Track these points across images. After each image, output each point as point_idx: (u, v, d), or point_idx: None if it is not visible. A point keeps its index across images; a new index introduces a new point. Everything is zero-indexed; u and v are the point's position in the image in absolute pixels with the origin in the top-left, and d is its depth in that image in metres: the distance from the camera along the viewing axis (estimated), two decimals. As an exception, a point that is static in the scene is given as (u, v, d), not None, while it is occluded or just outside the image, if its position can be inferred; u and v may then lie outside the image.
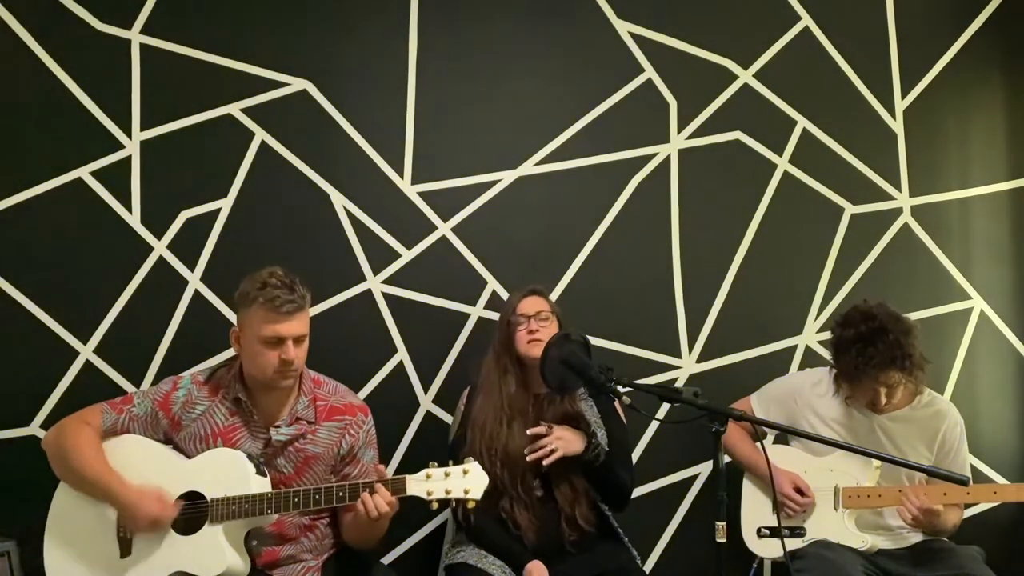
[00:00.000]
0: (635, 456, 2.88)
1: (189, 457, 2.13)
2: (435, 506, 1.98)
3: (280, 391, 2.15)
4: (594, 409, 2.42)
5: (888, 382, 2.32)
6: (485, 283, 2.85)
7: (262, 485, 2.05)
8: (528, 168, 2.89)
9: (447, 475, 1.97)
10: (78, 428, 2.11)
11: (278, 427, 2.15)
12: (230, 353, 2.50)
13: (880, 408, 2.40)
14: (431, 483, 1.97)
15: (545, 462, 2.27)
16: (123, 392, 2.55)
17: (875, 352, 2.28)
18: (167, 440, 2.18)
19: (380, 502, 1.98)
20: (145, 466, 2.09)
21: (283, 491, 2.03)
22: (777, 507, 2.46)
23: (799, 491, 2.44)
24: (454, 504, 1.98)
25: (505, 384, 2.39)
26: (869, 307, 2.37)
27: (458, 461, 2.01)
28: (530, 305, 2.43)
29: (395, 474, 2.02)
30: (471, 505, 1.98)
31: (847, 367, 2.36)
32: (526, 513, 2.31)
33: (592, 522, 2.35)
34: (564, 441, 2.29)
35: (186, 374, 2.25)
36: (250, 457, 2.08)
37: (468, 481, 1.96)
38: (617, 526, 2.42)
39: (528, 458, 2.29)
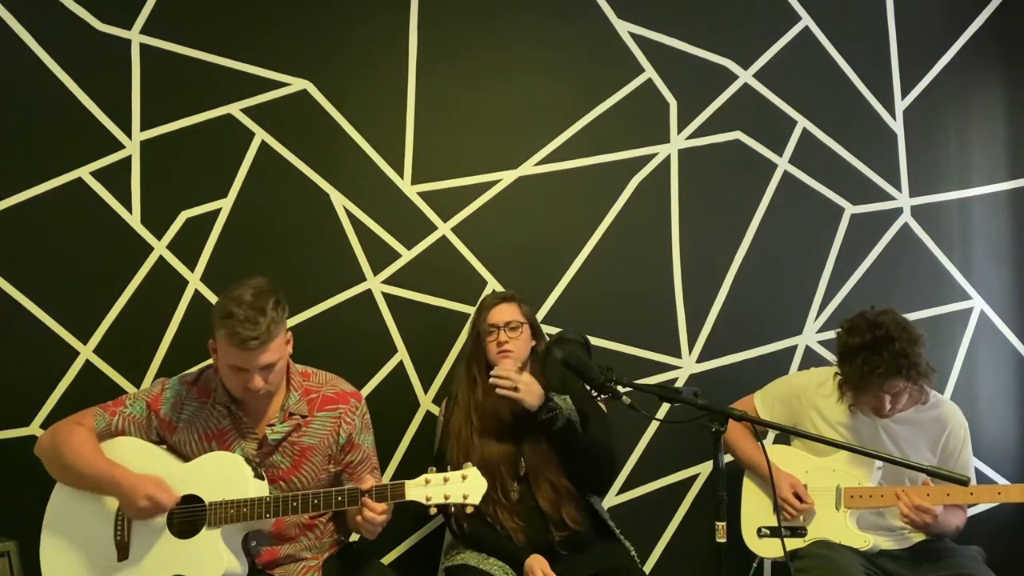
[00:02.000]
0: (635, 456, 2.88)
1: (185, 459, 2.13)
2: (433, 511, 1.99)
3: (257, 402, 2.15)
4: (567, 401, 2.41)
5: (893, 391, 2.31)
6: (485, 283, 2.85)
7: (260, 489, 2.05)
8: (528, 168, 2.89)
9: (446, 480, 1.98)
10: (72, 428, 2.11)
11: (272, 426, 2.15)
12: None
13: (885, 414, 2.40)
14: (430, 488, 1.97)
15: (500, 391, 2.26)
16: (123, 392, 2.55)
17: (880, 361, 2.26)
18: (161, 442, 2.18)
19: (372, 516, 1.99)
20: (142, 469, 2.08)
21: (282, 495, 2.02)
22: (777, 507, 2.46)
23: (798, 497, 2.43)
24: (452, 509, 1.98)
25: (474, 394, 2.39)
26: (876, 315, 2.34)
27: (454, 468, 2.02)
28: (500, 314, 2.42)
29: (394, 475, 2.03)
30: (469, 510, 1.98)
31: (852, 375, 2.34)
32: (509, 516, 2.31)
33: (581, 521, 2.34)
34: (525, 387, 2.27)
35: (174, 377, 2.24)
36: (248, 460, 2.08)
37: (467, 486, 1.97)
38: (610, 522, 2.42)
39: (490, 381, 2.28)
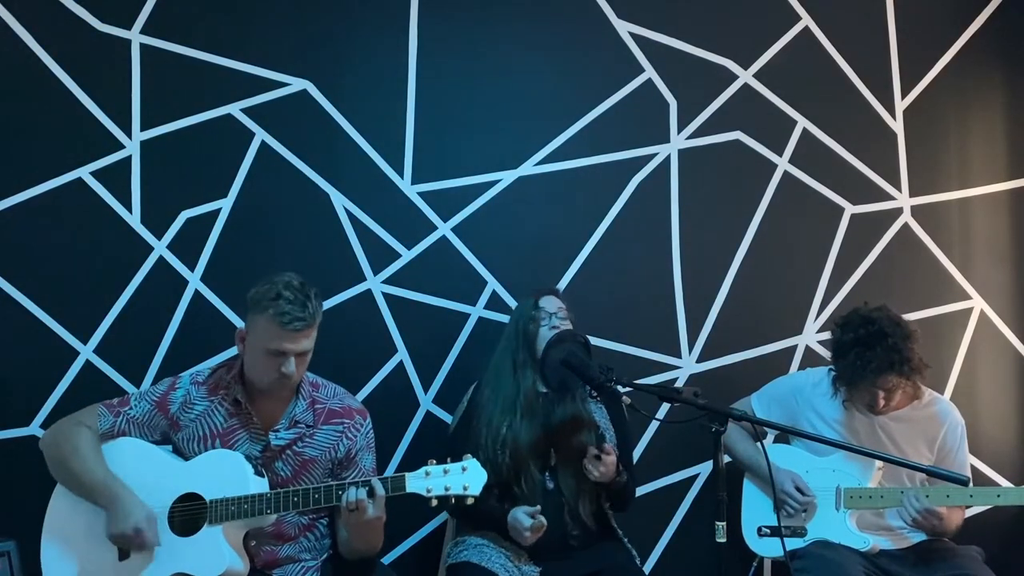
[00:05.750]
0: (635, 456, 2.88)
1: (187, 457, 2.13)
2: (434, 503, 1.98)
3: (279, 397, 2.15)
4: (604, 412, 2.43)
5: (886, 386, 2.33)
6: (485, 283, 2.85)
7: (260, 486, 2.05)
8: (528, 168, 2.89)
9: (446, 472, 1.97)
10: (76, 430, 2.10)
11: (277, 431, 2.15)
12: (230, 353, 2.50)
13: (879, 410, 2.40)
14: (430, 480, 1.97)
15: (592, 471, 2.27)
16: (123, 392, 2.55)
17: (873, 356, 2.29)
18: (166, 440, 2.18)
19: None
20: (142, 469, 2.08)
21: (282, 490, 2.02)
22: (777, 507, 2.46)
23: (799, 490, 2.44)
24: (453, 501, 1.98)
25: (523, 378, 2.40)
26: (869, 311, 2.38)
27: (456, 455, 2.01)
28: (550, 303, 2.46)
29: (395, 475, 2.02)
30: (470, 502, 1.98)
31: (846, 371, 2.36)
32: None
33: (595, 519, 2.36)
34: (608, 466, 2.27)
35: (185, 374, 2.25)
36: (248, 458, 2.09)
37: (467, 478, 1.96)
38: (616, 526, 2.43)
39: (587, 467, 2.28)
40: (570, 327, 2.43)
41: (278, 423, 2.15)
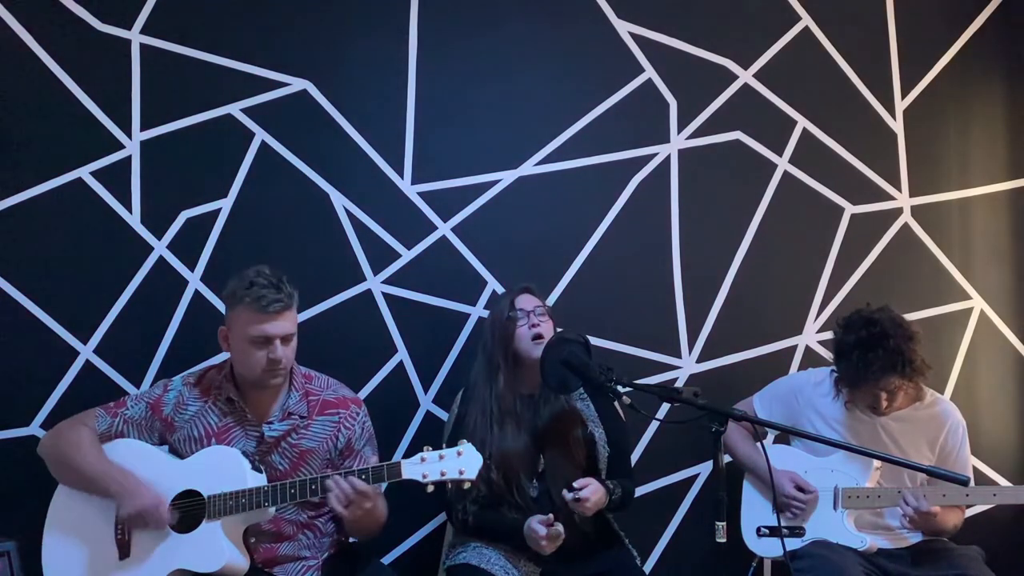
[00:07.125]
0: (635, 456, 2.88)
1: (184, 458, 2.14)
2: (430, 489, 1.98)
3: (271, 388, 2.16)
4: (591, 408, 2.42)
5: (888, 387, 2.33)
6: (485, 283, 2.85)
7: (258, 481, 2.06)
8: (528, 168, 2.89)
9: (441, 457, 1.98)
10: (76, 429, 2.12)
11: (270, 423, 2.15)
12: (226, 355, 2.50)
13: (881, 411, 2.40)
14: (426, 466, 1.97)
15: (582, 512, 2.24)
16: (123, 393, 2.55)
17: (875, 358, 2.28)
18: (162, 442, 2.18)
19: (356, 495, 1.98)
20: (140, 469, 2.09)
21: (279, 483, 2.03)
22: (777, 507, 2.46)
23: (800, 489, 2.44)
24: (450, 486, 1.97)
25: (495, 383, 2.37)
26: (871, 312, 2.37)
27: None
28: (527, 301, 2.43)
29: (393, 475, 2.02)
30: (467, 486, 1.98)
31: (848, 372, 2.36)
32: (522, 517, 2.29)
33: (592, 526, 2.35)
34: (593, 503, 2.24)
35: (176, 376, 2.26)
36: (245, 454, 2.09)
37: (463, 462, 1.97)
38: (618, 528, 2.42)
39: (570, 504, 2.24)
40: (550, 323, 2.40)
41: (271, 415, 2.16)
